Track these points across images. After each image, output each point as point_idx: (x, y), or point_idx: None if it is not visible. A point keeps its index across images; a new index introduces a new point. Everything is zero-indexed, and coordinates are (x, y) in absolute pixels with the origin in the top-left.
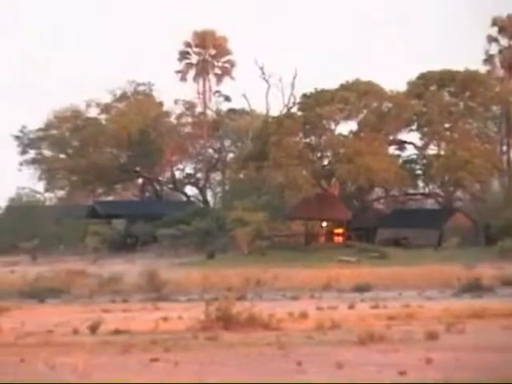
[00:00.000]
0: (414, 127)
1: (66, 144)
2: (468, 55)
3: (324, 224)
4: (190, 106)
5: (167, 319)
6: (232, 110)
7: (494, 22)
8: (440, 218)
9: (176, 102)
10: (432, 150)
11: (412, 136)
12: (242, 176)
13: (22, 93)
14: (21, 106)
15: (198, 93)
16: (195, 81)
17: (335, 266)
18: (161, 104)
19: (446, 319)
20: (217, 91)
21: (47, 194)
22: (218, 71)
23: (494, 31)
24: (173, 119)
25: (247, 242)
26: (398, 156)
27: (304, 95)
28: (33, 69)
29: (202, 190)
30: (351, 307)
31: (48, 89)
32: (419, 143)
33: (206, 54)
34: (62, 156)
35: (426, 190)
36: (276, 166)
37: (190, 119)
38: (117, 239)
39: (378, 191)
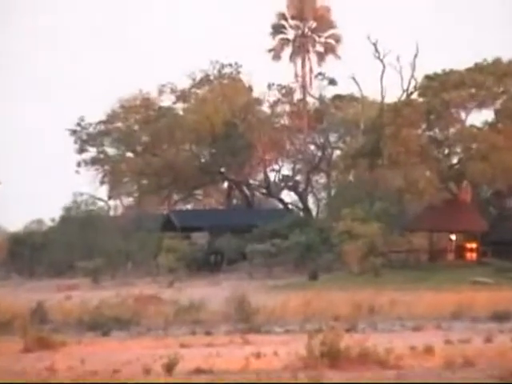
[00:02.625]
0: None
1: (134, 140)
2: None
3: (453, 237)
4: (286, 91)
5: (260, 355)
6: (338, 97)
7: None
8: None
9: (269, 86)
10: None
11: None
12: (351, 178)
13: (79, 78)
14: (78, 93)
15: (296, 75)
16: (292, 60)
17: (467, 288)
18: (251, 89)
19: None
20: (319, 73)
21: (111, 202)
22: (319, 48)
23: None
24: (266, 108)
25: (358, 259)
26: None
27: (427, 77)
28: (92, 51)
29: (302, 196)
30: (488, 340)
31: (111, 73)
32: None
33: (305, 27)
34: (130, 154)
35: None
36: (393, 165)
37: (287, 108)
38: (197, 257)
39: None
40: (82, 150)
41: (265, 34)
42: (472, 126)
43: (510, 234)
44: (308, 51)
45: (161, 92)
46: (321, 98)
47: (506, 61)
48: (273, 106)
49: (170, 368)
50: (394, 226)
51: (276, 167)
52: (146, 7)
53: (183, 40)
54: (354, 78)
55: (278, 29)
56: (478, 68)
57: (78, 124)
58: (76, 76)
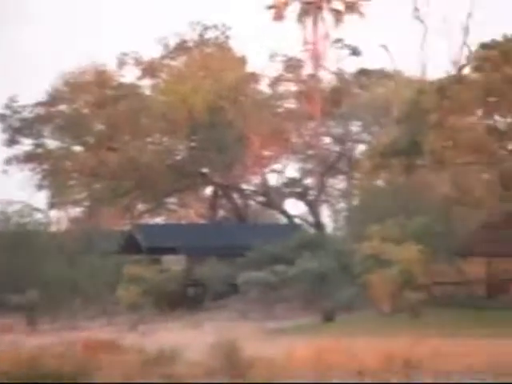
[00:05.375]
0: None
1: (84, 128)
2: None
3: None
4: (292, 64)
5: None
6: (363, 72)
7: None
8: None
9: (270, 57)
10: None
11: None
12: (380, 182)
13: (9, 43)
14: (8, 65)
15: (306, 42)
16: (300, 22)
17: None
18: (244, 61)
19: None
20: (338, 39)
21: (53, 213)
22: (338, 5)
23: None
24: (264, 86)
25: (389, 293)
26: None
27: (484, 45)
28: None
29: (313, 206)
30: None
31: (53, 36)
32: None
33: None
34: (78, 148)
35: None
36: (438, 166)
37: (292, 86)
38: (171, 289)
39: None
40: (12, 142)
41: None
42: None
43: None
44: (321, 8)
45: (121, 64)
46: (339, 74)
47: None
48: (274, 83)
49: None
50: (439, 250)
51: (278, 167)
52: None
53: None
54: (384, 46)
55: None
56: None
57: (8, 106)
58: (3, 41)
